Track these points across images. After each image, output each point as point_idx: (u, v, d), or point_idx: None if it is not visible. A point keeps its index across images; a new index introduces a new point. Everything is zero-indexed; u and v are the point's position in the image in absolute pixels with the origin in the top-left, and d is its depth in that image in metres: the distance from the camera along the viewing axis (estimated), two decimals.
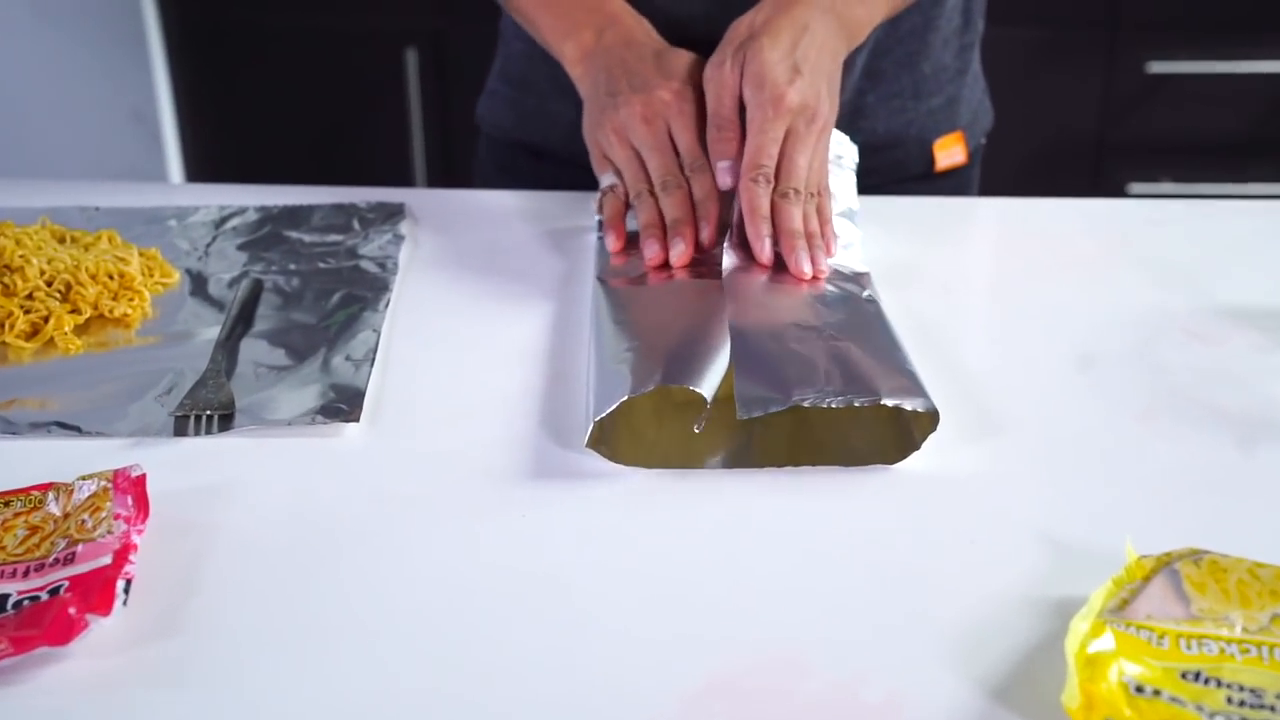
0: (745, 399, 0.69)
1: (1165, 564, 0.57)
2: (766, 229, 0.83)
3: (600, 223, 0.90)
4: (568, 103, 1.05)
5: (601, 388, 0.71)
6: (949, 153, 1.08)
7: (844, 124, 1.02)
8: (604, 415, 0.68)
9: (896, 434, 0.71)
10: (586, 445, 0.68)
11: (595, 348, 0.76)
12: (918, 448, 0.69)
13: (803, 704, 0.53)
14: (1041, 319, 0.86)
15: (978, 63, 1.13)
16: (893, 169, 1.05)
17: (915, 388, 0.70)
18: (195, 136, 2.21)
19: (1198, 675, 0.52)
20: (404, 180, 2.13)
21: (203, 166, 2.26)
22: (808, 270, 0.82)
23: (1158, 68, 2.06)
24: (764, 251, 0.82)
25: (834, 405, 0.68)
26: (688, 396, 0.70)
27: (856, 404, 0.69)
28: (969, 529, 0.64)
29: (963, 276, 0.92)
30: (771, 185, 0.85)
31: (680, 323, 0.76)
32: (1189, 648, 0.53)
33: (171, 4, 2.11)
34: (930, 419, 0.69)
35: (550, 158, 1.06)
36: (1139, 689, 0.51)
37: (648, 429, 0.71)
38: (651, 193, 0.87)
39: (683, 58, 0.91)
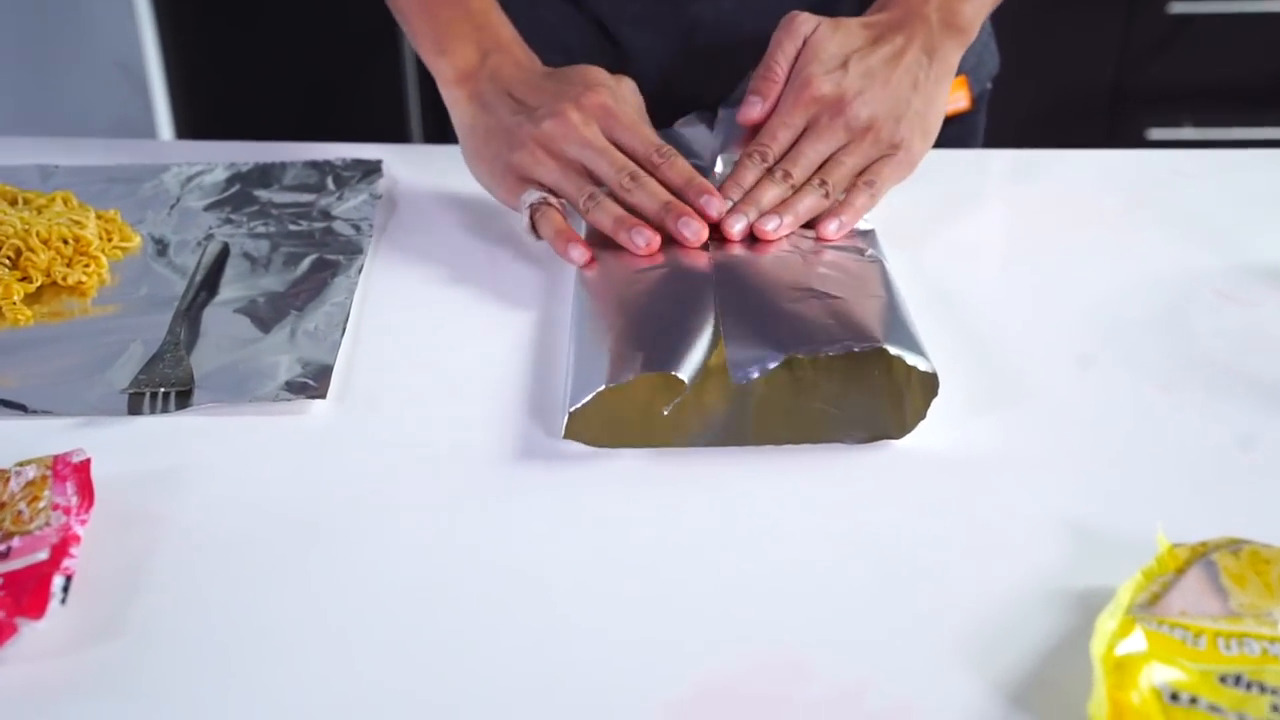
0: (737, 361, 0.64)
1: (1201, 555, 0.52)
2: (736, 195, 0.79)
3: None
4: (551, 48, 0.99)
5: (579, 374, 0.66)
6: (952, 98, 1.03)
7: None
8: (579, 406, 0.63)
9: (898, 405, 0.66)
10: (564, 437, 0.63)
11: (574, 328, 0.71)
12: (923, 417, 0.64)
13: (802, 712, 0.49)
14: (1059, 281, 0.80)
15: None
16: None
17: (918, 346, 0.66)
18: (184, 89, 2.15)
19: (1238, 679, 0.47)
20: (400, 132, 2.08)
21: (193, 120, 2.20)
22: (735, 231, 0.77)
23: (1180, 8, 1.99)
24: (728, 226, 0.77)
25: (830, 353, 0.65)
26: (669, 380, 0.65)
27: (856, 349, 0.64)
28: (982, 514, 0.59)
29: (972, 235, 0.87)
30: (766, 166, 0.80)
31: (662, 304, 0.71)
32: (1228, 648, 0.48)
33: None
34: (931, 382, 0.64)
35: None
36: (1174, 696, 0.46)
37: (629, 409, 0.66)
38: (607, 195, 0.79)
39: (590, 69, 0.86)
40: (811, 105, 0.81)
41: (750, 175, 0.80)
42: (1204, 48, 2.05)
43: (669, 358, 0.65)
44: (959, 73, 1.04)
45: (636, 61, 0.98)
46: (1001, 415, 0.66)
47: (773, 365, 0.64)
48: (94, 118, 2.08)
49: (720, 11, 0.95)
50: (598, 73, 0.85)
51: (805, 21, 0.84)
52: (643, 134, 0.81)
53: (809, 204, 0.79)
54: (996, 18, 1.09)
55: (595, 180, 0.80)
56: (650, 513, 0.60)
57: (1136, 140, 2.07)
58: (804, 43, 0.83)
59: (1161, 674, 0.47)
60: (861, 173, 0.81)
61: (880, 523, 0.59)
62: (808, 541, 0.58)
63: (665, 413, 0.64)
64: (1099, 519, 0.59)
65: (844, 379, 0.68)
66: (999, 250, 0.85)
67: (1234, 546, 0.52)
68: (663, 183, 0.79)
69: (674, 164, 0.80)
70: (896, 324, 0.67)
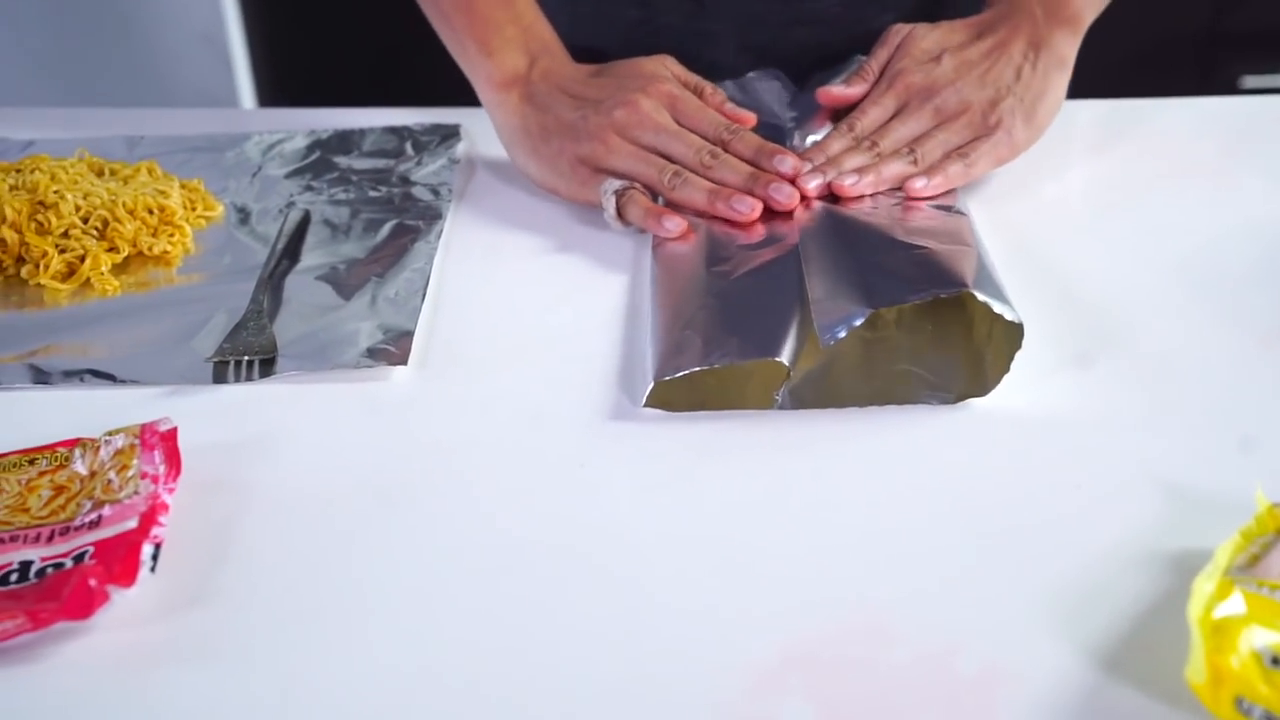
0: (824, 324, 0.64)
1: None
2: (819, 160, 0.79)
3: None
4: (627, 2, 0.98)
5: (665, 347, 0.65)
6: None
7: (922, 15, 0.95)
8: (665, 380, 0.63)
9: (981, 359, 0.65)
10: (645, 405, 0.63)
11: (658, 301, 0.70)
12: (1007, 371, 0.62)
13: (889, 678, 0.48)
14: (1152, 234, 0.78)
15: None
16: None
17: (1002, 294, 0.65)
18: (267, 58, 2.17)
19: None
20: (463, 95, 2.07)
21: (275, 89, 2.21)
22: (811, 187, 0.77)
23: None
24: (804, 182, 0.77)
25: (915, 301, 0.64)
26: (771, 364, 0.63)
27: (942, 294, 0.63)
28: (1073, 473, 0.58)
29: (1062, 188, 0.84)
30: (854, 137, 0.81)
31: (752, 282, 0.69)
32: None
33: None
34: (1015, 333, 0.63)
35: (608, 60, 1.00)
36: (1275, 660, 0.45)
37: (715, 383, 0.65)
38: (684, 171, 0.79)
39: (640, 61, 0.86)
40: (903, 93, 0.82)
41: (837, 144, 0.80)
42: None
43: (765, 346, 0.64)
44: None
45: (717, 13, 0.97)
46: (1094, 371, 0.65)
47: (858, 322, 0.63)
48: (179, 90, 2.10)
49: None
50: (650, 63, 0.85)
51: (901, 28, 0.85)
52: (710, 116, 0.82)
53: (895, 169, 0.78)
54: None
55: (672, 163, 0.80)
56: (732, 478, 0.59)
57: (1230, 89, 2.01)
58: (899, 45, 0.85)
59: (1262, 637, 0.45)
60: (958, 149, 0.80)
61: (966, 484, 0.58)
62: (892, 504, 0.57)
63: (776, 397, 0.63)
64: (1195, 478, 0.57)
65: (927, 333, 0.67)
66: (1089, 202, 0.83)
67: None
68: (736, 154, 0.80)
69: (744, 138, 0.80)
70: (982, 272, 0.66)
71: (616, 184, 0.79)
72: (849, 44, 0.95)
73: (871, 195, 0.78)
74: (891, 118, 0.82)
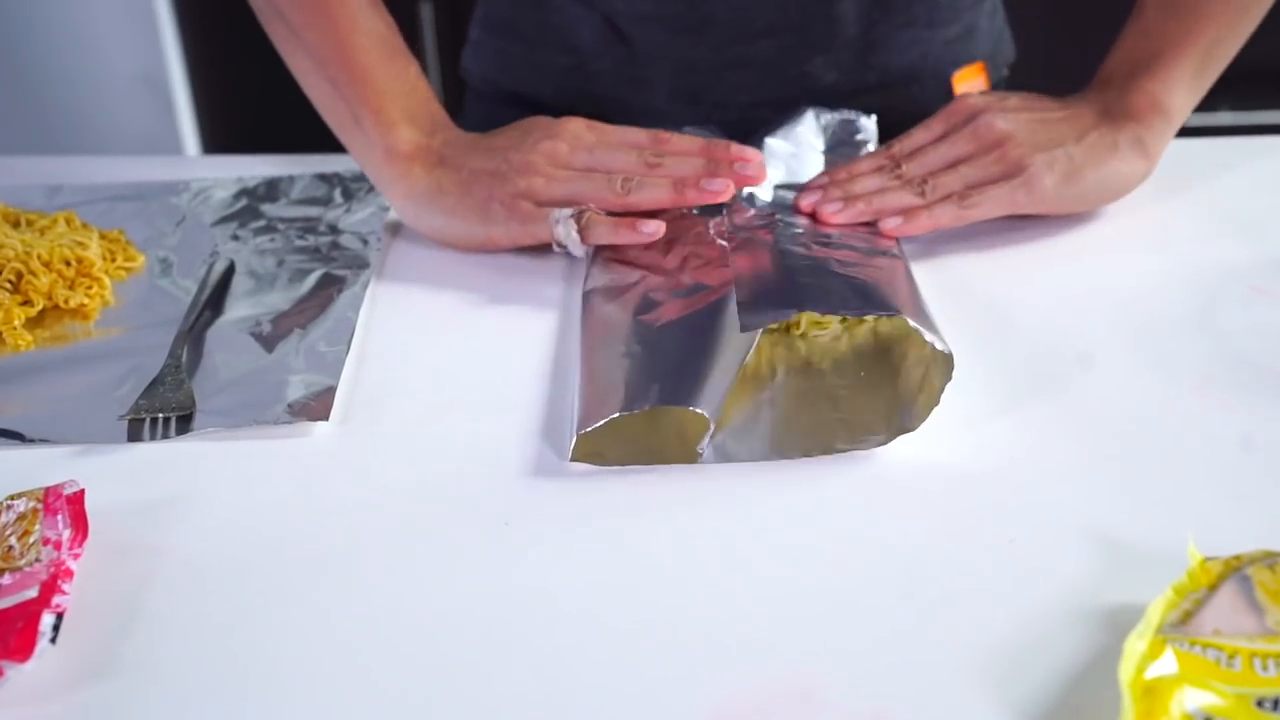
0: (749, 314, 0.64)
1: (1234, 569, 0.50)
2: (840, 175, 0.80)
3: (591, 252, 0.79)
4: (559, 49, 0.98)
5: (589, 398, 0.64)
6: (969, 85, 1.00)
7: (855, 58, 0.97)
8: (587, 430, 0.61)
9: (912, 391, 0.64)
10: (571, 459, 0.62)
11: (585, 351, 0.69)
12: (937, 403, 0.61)
13: None
14: (1085, 278, 0.77)
15: None
16: (910, 105, 0.97)
17: (934, 326, 0.65)
18: (209, 102, 2.15)
19: (1276, 703, 0.44)
20: None
21: (219, 133, 2.20)
22: (803, 204, 0.79)
23: None
24: (799, 200, 0.79)
25: (848, 316, 0.64)
26: (690, 414, 0.62)
27: (871, 317, 0.64)
28: (1004, 527, 0.57)
29: (996, 229, 0.84)
30: (887, 156, 0.82)
31: (681, 333, 0.68)
32: (1265, 669, 0.46)
33: None
34: (946, 363, 0.62)
35: (541, 109, 0.99)
36: None
37: (640, 432, 0.64)
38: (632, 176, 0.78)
39: (542, 117, 0.84)
40: (955, 116, 0.81)
41: (865, 164, 0.81)
42: None
43: (686, 394, 0.62)
44: (974, 60, 1.02)
45: (649, 59, 0.96)
46: (1024, 419, 0.64)
47: (787, 316, 0.64)
48: (118, 133, 2.07)
49: (733, 5, 0.93)
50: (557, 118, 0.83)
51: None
52: (636, 131, 0.80)
53: (895, 200, 0.78)
54: (1027, 2, 1.06)
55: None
56: (658, 535, 0.58)
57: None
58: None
59: (1194, 698, 0.44)
60: (966, 189, 0.79)
61: (898, 539, 0.57)
62: (821, 560, 0.56)
63: (700, 453, 0.62)
64: (1128, 530, 0.56)
65: (858, 378, 0.67)
66: (1023, 245, 0.82)
67: (1269, 560, 0.50)
68: (680, 152, 0.79)
69: (681, 137, 0.80)
70: (916, 305, 0.66)
71: (567, 212, 0.77)
72: (782, 87, 0.94)
73: (813, 231, 0.77)
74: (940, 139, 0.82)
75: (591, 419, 0.62)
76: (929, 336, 0.63)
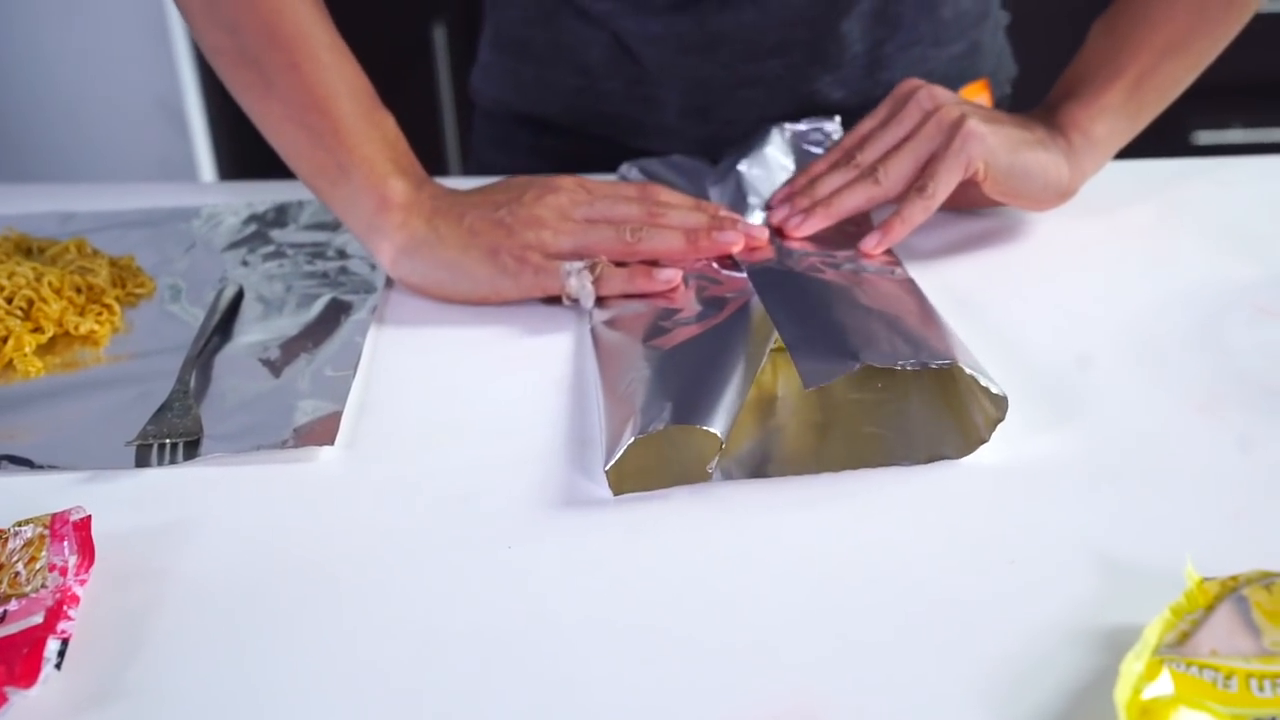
0: (810, 370, 0.62)
1: (1231, 589, 0.50)
2: (803, 202, 0.82)
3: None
4: (569, 69, 0.98)
5: (610, 430, 0.64)
6: (977, 100, 1.01)
7: (862, 76, 0.98)
8: (614, 461, 0.61)
9: (960, 426, 0.64)
10: (615, 494, 0.61)
11: (603, 384, 0.69)
12: (985, 440, 0.62)
13: None
14: (1090, 296, 0.78)
15: (998, 6, 1.07)
16: None
17: (982, 367, 0.64)
18: (225, 126, 2.16)
19: None
20: (436, 165, 2.07)
21: (235, 157, 2.21)
22: (773, 220, 0.81)
23: None
24: (771, 216, 0.82)
25: (908, 367, 0.62)
26: (703, 433, 0.62)
27: (933, 365, 0.62)
28: (1004, 548, 0.57)
29: (1000, 251, 0.84)
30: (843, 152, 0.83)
31: (691, 354, 0.68)
32: (1261, 690, 0.46)
33: None
34: (1000, 404, 0.62)
35: (551, 129, 1.00)
36: None
37: (659, 448, 0.64)
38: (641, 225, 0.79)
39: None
40: (897, 97, 0.83)
41: (821, 164, 0.83)
42: (1249, 48, 1.99)
43: (701, 410, 0.62)
44: (979, 76, 1.02)
45: (659, 78, 0.97)
46: (1024, 439, 0.64)
47: (847, 370, 0.62)
48: (135, 159, 2.09)
49: (742, 24, 0.94)
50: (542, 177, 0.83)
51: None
52: (627, 185, 0.82)
53: (851, 198, 0.80)
54: (1029, 18, 1.07)
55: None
56: (663, 558, 0.58)
57: (1183, 144, 2.02)
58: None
59: (1190, 719, 0.44)
60: (922, 173, 0.80)
61: (896, 556, 0.57)
62: (820, 577, 0.56)
63: (710, 470, 0.62)
64: (1129, 549, 0.56)
65: (905, 399, 0.67)
66: (1027, 266, 0.82)
67: (1266, 580, 0.50)
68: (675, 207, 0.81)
69: (670, 191, 0.82)
70: (958, 344, 0.66)
71: (578, 264, 0.76)
72: (793, 104, 0.95)
73: (819, 251, 0.78)
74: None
75: (613, 450, 0.62)
76: (985, 381, 0.62)
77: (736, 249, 0.78)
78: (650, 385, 0.66)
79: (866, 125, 0.84)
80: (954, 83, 1.00)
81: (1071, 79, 0.86)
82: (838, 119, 0.92)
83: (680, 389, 0.65)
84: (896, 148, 0.81)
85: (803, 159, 0.89)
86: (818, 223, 0.80)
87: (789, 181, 0.85)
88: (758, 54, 0.95)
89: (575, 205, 0.79)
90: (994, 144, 0.79)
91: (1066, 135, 0.83)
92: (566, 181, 0.81)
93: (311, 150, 0.80)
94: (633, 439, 0.61)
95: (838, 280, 0.73)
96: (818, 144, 0.91)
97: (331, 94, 0.79)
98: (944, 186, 0.79)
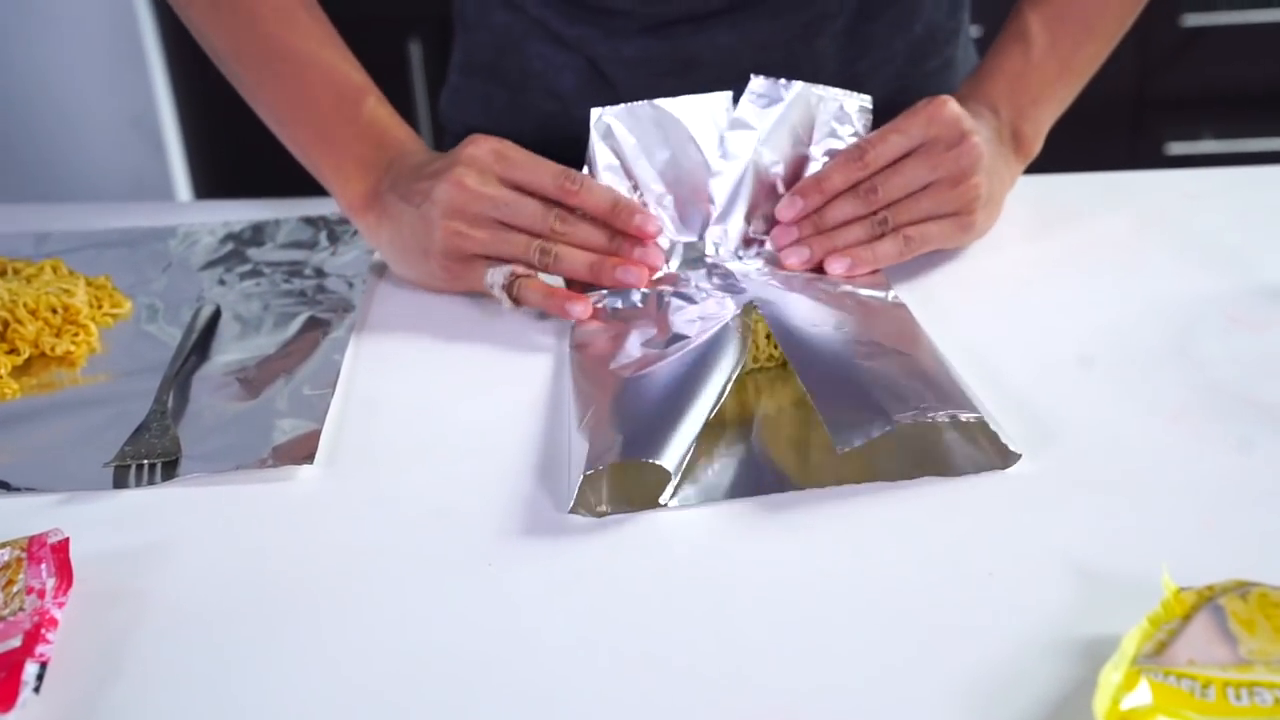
0: (840, 427, 0.62)
1: (1207, 599, 0.50)
2: (814, 197, 0.80)
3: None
4: (541, 94, 0.98)
5: (576, 450, 0.64)
6: None
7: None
8: (574, 501, 0.61)
9: (961, 459, 0.64)
10: (569, 511, 0.62)
11: (576, 402, 0.69)
12: (969, 472, 0.63)
13: None
14: (1066, 309, 0.78)
15: (969, 22, 1.07)
16: None
17: (991, 416, 0.65)
18: (199, 143, 2.16)
19: None
20: None
21: (210, 176, 2.21)
22: (791, 263, 0.79)
23: (1193, 20, 1.97)
24: (786, 256, 0.79)
25: (939, 420, 0.62)
26: (653, 467, 0.62)
27: (963, 418, 0.62)
28: (983, 559, 0.57)
29: (972, 262, 0.85)
30: (860, 172, 0.80)
31: (651, 384, 0.68)
32: (1239, 698, 0.46)
33: (166, 8, 2.06)
34: (1005, 456, 0.63)
35: None
36: None
37: (614, 477, 0.64)
38: (551, 243, 0.78)
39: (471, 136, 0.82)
40: (937, 126, 0.80)
41: (838, 178, 0.80)
42: (1219, 60, 2.02)
43: (649, 444, 0.62)
44: (953, 91, 1.03)
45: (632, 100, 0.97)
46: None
47: (877, 433, 0.61)
48: (109, 177, 2.08)
49: (717, 47, 0.94)
50: (476, 136, 0.81)
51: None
52: (542, 167, 0.79)
53: (850, 238, 0.79)
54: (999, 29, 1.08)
55: (528, 233, 0.78)
56: (641, 573, 0.58)
57: (1156, 155, 2.04)
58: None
59: None
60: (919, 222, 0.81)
61: (876, 568, 0.57)
62: (799, 594, 0.56)
63: (664, 501, 0.62)
64: (1105, 560, 0.56)
65: (911, 438, 0.66)
66: (1000, 276, 0.83)
67: (1241, 590, 0.50)
68: (587, 206, 0.78)
69: (590, 190, 0.79)
70: (966, 388, 0.66)
71: (500, 272, 0.77)
72: None
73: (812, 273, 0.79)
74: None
75: (574, 481, 0.62)
76: (1005, 439, 0.63)
77: (638, 286, 0.77)
78: (608, 415, 0.66)
79: (897, 145, 0.80)
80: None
81: (1022, 83, 0.88)
82: (868, 99, 0.85)
83: (634, 419, 0.65)
84: (916, 195, 0.80)
85: (822, 139, 0.84)
86: (817, 257, 0.79)
87: (801, 189, 0.81)
88: (732, 76, 0.94)
89: (476, 203, 0.77)
90: (981, 228, 0.83)
91: (1025, 153, 0.87)
92: (477, 155, 0.78)
93: (305, 159, 0.85)
94: (581, 477, 0.61)
95: (836, 306, 0.73)
96: (841, 123, 0.84)
97: (303, 97, 0.83)
98: (926, 248, 0.81)
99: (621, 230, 0.78)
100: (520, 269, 0.78)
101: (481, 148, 0.79)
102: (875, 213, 0.80)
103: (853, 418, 0.62)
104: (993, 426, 0.63)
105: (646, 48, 0.95)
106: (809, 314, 0.73)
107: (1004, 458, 0.63)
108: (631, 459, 0.61)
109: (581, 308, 0.76)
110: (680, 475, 0.62)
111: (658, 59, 0.96)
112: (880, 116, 0.92)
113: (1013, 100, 0.87)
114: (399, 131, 0.85)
